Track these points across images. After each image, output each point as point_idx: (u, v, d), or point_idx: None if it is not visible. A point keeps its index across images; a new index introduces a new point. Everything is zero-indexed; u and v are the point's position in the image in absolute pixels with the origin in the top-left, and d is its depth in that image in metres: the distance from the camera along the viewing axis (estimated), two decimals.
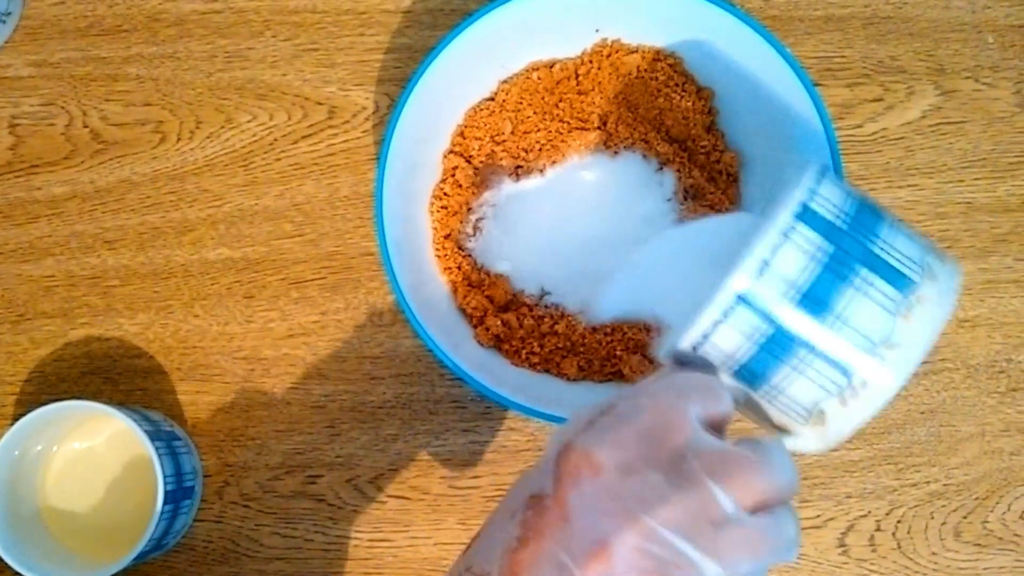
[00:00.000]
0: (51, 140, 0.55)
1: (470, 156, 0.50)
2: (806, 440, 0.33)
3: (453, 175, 0.50)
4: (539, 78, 0.51)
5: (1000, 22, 0.54)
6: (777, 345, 0.30)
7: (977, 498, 0.52)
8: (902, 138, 0.54)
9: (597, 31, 0.50)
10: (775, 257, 0.30)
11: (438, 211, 0.50)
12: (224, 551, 0.52)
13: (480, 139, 0.50)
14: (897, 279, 0.30)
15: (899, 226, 0.32)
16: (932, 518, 0.52)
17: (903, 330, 0.30)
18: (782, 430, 0.33)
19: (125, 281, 0.54)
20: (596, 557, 0.27)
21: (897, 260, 0.31)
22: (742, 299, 0.30)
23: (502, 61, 0.50)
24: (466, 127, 0.51)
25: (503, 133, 0.50)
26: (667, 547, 0.27)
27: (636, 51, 0.50)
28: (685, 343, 0.31)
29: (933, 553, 0.52)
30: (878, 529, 0.52)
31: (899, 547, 0.52)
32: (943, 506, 0.52)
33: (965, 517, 0.52)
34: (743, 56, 0.47)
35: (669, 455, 0.28)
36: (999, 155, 0.54)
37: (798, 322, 0.30)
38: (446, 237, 0.50)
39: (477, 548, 0.31)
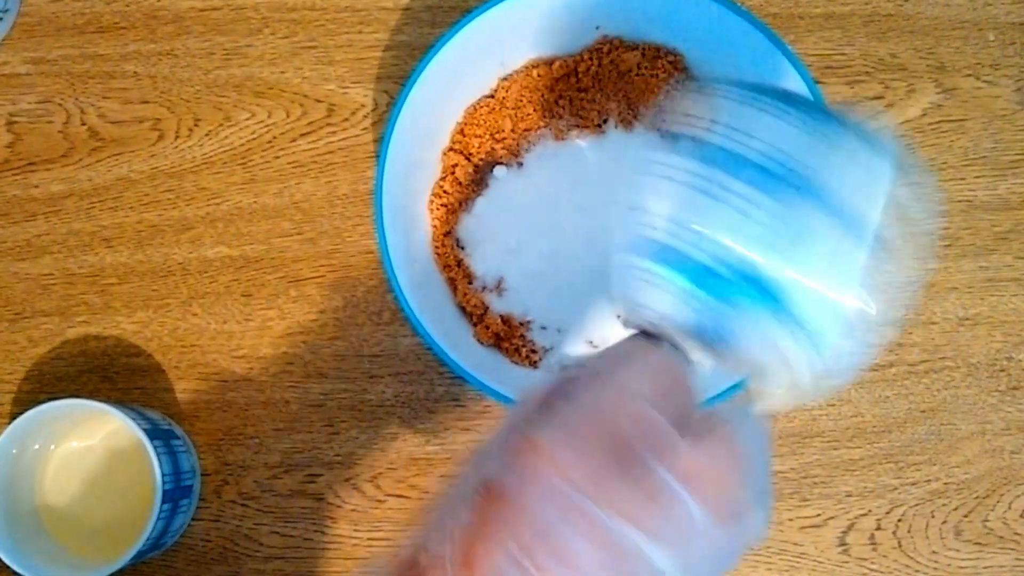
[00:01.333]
0: (49, 138, 0.54)
1: (470, 154, 0.50)
2: (780, 394, 0.31)
3: (453, 172, 0.50)
4: (539, 75, 0.50)
5: (1001, 19, 0.54)
6: (728, 307, 0.28)
7: (978, 497, 0.52)
8: (902, 136, 0.54)
9: (597, 28, 0.50)
10: (653, 202, 0.28)
11: (438, 209, 0.50)
12: (223, 550, 0.52)
13: (480, 136, 0.50)
14: (849, 223, 0.27)
15: (786, 117, 0.28)
16: (933, 517, 0.52)
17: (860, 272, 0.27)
18: (758, 386, 0.31)
19: (123, 279, 0.54)
20: (552, 554, 0.27)
21: (843, 203, 0.28)
22: (657, 257, 0.29)
23: (502, 58, 0.50)
24: (466, 124, 0.50)
25: (503, 130, 0.50)
26: (624, 546, 0.27)
27: (636, 48, 0.50)
28: (623, 314, 0.30)
29: (934, 552, 0.52)
30: (878, 528, 0.52)
31: (900, 546, 0.52)
32: (944, 505, 0.52)
33: (966, 516, 0.52)
34: (744, 53, 0.47)
35: (629, 449, 0.28)
36: (1000, 153, 0.54)
37: (739, 277, 0.28)
38: (446, 235, 0.50)
39: (430, 526, 0.30)
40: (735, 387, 0.44)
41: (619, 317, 0.31)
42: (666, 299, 0.29)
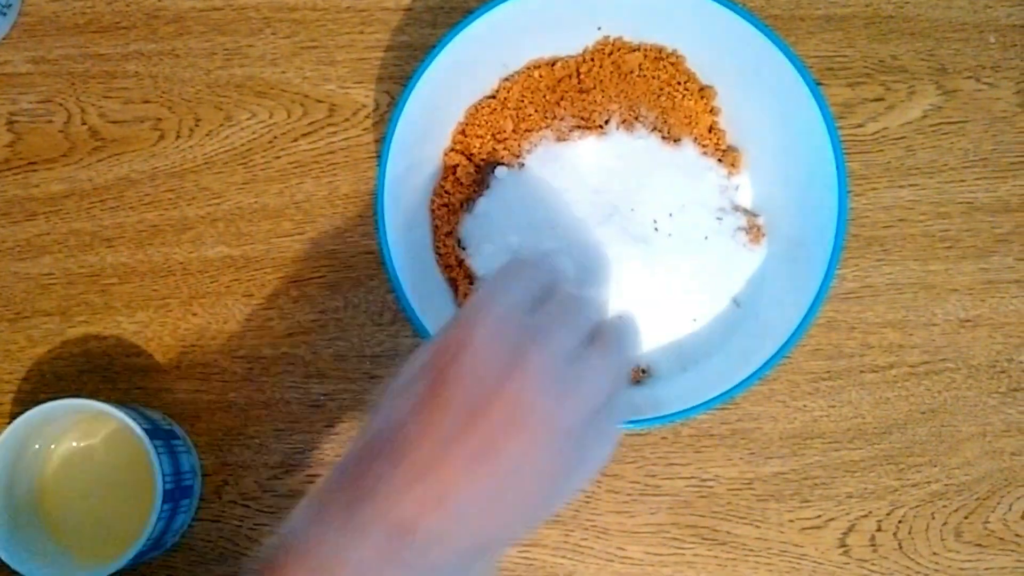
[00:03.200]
0: (49, 137, 0.54)
1: (471, 154, 0.50)
2: None
3: (454, 173, 0.50)
4: (540, 76, 0.50)
5: (1002, 21, 0.54)
6: None
7: (978, 498, 0.52)
8: (903, 137, 0.54)
9: (599, 29, 0.50)
10: None
11: (439, 209, 0.50)
12: (223, 550, 0.52)
13: (481, 137, 0.50)
14: None
15: None
16: (933, 518, 0.52)
17: None
18: None
19: (123, 279, 0.53)
20: (515, 367, 0.31)
21: None
22: None
23: (503, 59, 0.50)
24: (467, 125, 0.50)
25: (504, 131, 0.50)
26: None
27: (638, 49, 0.50)
28: None
29: (934, 553, 0.52)
30: (879, 529, 0.52)
31: (900, 547, 0.52)
32: (944, 506, 0.52)
33: (966, 517, 0.52)
34: (745, 55, 0.47)
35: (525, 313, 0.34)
36: (1000, 155, 0.54)
37: None
38: (447, 235, 0.50)
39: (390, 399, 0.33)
40: (732, 390, 0.44)
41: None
42: None
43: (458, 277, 0.50)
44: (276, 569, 0.30)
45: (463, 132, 0.50)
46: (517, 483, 0.31)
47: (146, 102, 0.54)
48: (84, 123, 0.54)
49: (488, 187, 0.50)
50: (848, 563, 0.52)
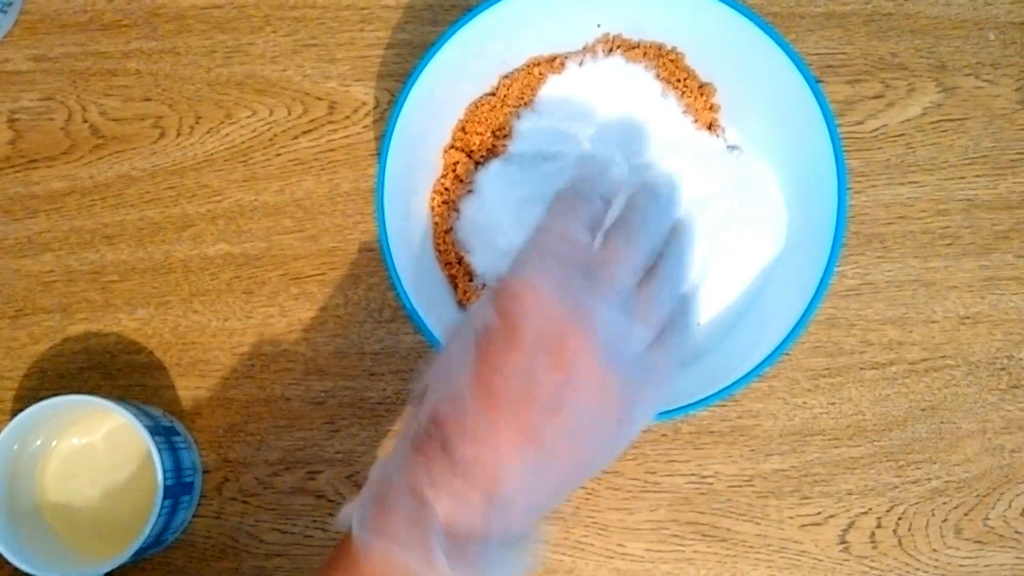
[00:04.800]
0: (50, 135, 0.54)
1: (471, 151, 0.50)
2: None
3: (454, 170, 0.50)
4: (540, 73, 0.50)
5: (1001, 19, 0.54)
6: None
7: (978, 495, 0.52)
8: (903, 135, 0.54)
9: (598, 26, 0.50)
10: None
11: (439, 206, 0.50)
12: (223, 547, 0.52)
13: (481, 134, 0.50)
14: None
15: None
16: (933, 515, 0.52)
17: None
18: None
19: (124, 276, 0.54)
20: (561, 352, 0.32)
21: None
22: None
23: (503, 56, 0.50)
24: (467, 122, 0.50)
25: (504, 128, 0.50)
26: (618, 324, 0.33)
27: (637, 46, 0.50)
28: None
29: (934, 550, 0.52)
30: (879, 526, 0.52)
31: (900, 544, 0.52)
32: (944, 503, 0.52)
33: (966, 514, 0.52)
34: (745, 52, 0.47)
35: (581, 261, 0.33)
36: (1000, 152, 0.54)
37: None
38: (447, 232, 0.50)
39: (433, 392, 0.33)
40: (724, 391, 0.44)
41: None
42: None
43: (458, 274, 0.50)
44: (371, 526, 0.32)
45: (463, 129, 0.50)
46: (575, 445, 0.33)
47: (147, 100, 0.55)
48: (85, 121, 0.55)
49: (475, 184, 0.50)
50: (848, 560, 0.52)
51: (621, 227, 0.35)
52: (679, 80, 0.50)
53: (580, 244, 0.34)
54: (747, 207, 0.49)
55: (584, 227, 0.35)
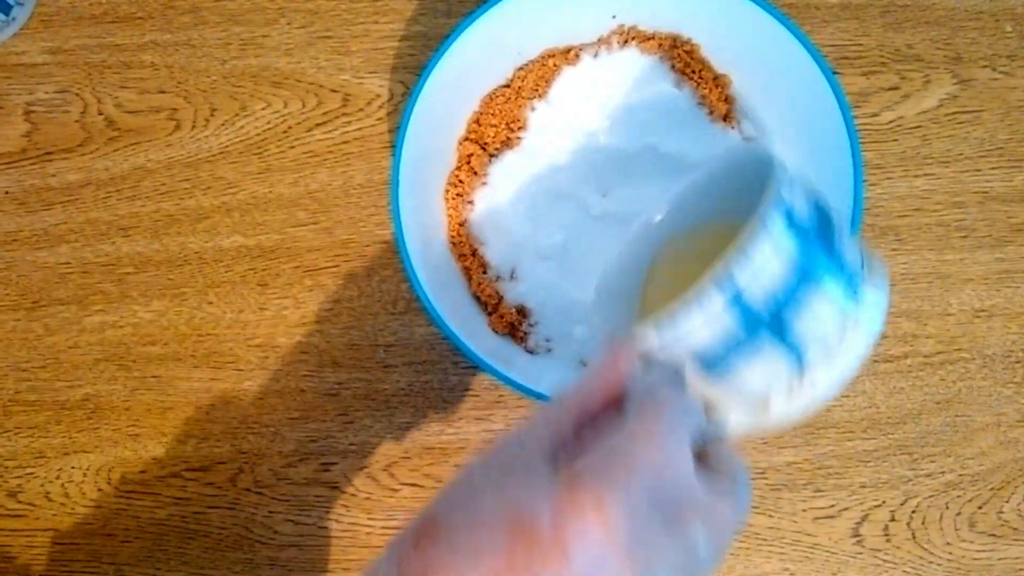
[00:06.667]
0: (66, 127, 0.55)
1: (485, 143, 0.50)
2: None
3: (468, 162, 0.50)
4: (555, 65, 0.50)
5: (1018, 10, 0.54)
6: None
7: (992, 488, 0.52)
8: (919, 127, 0.54)
9: (614, 17, 0.50)
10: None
11: (453, 198, 0.50)
12: (238, 538, 0.52)
13: (496, 126, 0.50)
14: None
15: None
16: (947, 508, 0.52)
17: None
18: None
19: (139, 268, 0.54)
20: None
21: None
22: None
23: (518, 48, 0.50)
24: (482, 114, 0.50)
25: (519, 120, 0.50)
26: None
27: (652, 37, 0.50)
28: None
29: (947, 543, 0.51)
30: (892, 519, 0.52)
31: (913, 537, 0.51)
32: (958, 496, 0.52)
33: (980, 507, 0.52)
34: (760, 43, 0.47)
35: (669, 501, 0.28)
36: (1016, 144, 0.54)
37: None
38: (461, 224, 0.50)
39: (453, 545, 0.28)
40: None
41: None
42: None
43: (472, 266, 0.50)
44: None
45: (477, 121, 0.50)
46: None
47: (162, 92, 0.55)
48: (100, 113, 0.55)
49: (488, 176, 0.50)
50: (861, 553, 0.51)
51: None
52: (694, 72, 0.50)
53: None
54: None
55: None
